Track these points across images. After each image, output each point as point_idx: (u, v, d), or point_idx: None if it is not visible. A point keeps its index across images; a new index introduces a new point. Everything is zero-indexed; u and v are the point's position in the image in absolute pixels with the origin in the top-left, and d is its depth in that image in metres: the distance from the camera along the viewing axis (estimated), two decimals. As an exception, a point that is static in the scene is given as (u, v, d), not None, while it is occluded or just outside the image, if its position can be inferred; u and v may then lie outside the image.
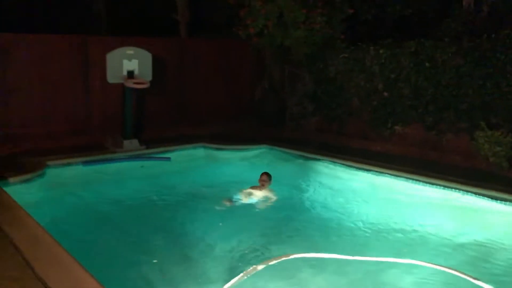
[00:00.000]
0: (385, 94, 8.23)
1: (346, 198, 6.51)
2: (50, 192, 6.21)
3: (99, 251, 4.73)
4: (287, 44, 9.27)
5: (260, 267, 4.25)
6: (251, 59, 10.51)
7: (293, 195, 6.72)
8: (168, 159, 7.87)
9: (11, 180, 5.96)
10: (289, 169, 7.72)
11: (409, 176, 6.59)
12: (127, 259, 4.61)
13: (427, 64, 7.54)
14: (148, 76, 7.91)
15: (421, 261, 4.45)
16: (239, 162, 8.13)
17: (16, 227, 4.35)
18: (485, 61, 6.88)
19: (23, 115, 7.87)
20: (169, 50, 9.41)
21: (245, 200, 6.30)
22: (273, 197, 6.41)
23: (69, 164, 7.01)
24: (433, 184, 6.32)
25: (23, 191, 5.78)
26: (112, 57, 7.61)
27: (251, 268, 4.22)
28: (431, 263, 4.40)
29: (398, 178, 6.66)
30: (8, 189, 5.57)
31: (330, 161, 7.52)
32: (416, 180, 6.49)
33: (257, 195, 6.37)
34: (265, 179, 6.46)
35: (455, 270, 4.24)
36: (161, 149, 8.05)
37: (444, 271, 4.26)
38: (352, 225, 5.62)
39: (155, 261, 4.58)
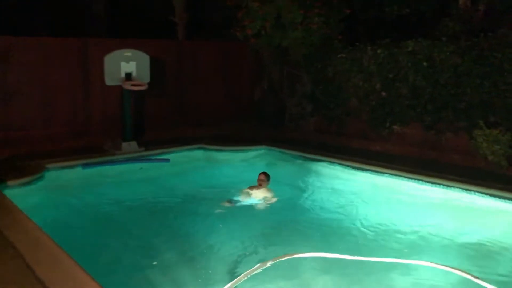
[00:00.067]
0: (383, 94, 8.24)
1: (345, 198, 6.51)
2: (49, 194, 6.21)
3: (99, 253, 4.72)
4: (285, 44, 9.28)
5: (269, 263, 4.23)
6: (250, 60, 10.53)
7: (293, 195, 6.72)
8: (167, 160, 7.87)
9: (11, 183, 5.96)
10: (289, 170, 7.72)
11: (409, 175, 6.60)
12: (126, 261, 4.61)
13: (425, 64, 7.55)
14: (146, 78, 7.92)
15: (422, 260, 4.44)
16: (238, 163, 8.14)
17: (16, 230, 4.35)
18: (483, 60, 6.90)
19: (22, 118, 7.87)
20: (168, 52, 9.42)
21: (244, 201, 6.31)
22: (272, 197, 6.42)
23: (68, 167, 7.01)
24: (432, 183, 6.33)
25: (22, 194, 5.79)
26: (110, 60, 7.62)
27: (256, 265, 4.20)
28: (432, 263, 4.39)
29: (398, 177, 6.67)
30: (8, 192, 5.57)
31: (330, 161, 7.52)
32: (416, 179, 6.50)
33: (257, 196, 6.38)
34: (263, 179, 6.47)
35: (457, 269, 4.22)
36: (160, 150, 8.05)
37: (445, 271, 4.25)
38: (352, 225, 5.62)
39: (154, 263, 4.58)
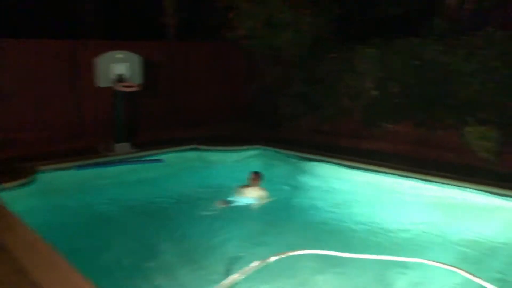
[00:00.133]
0: (374, 92, 8.31)
1: (340, 197, 6.56)
2: (43, 197, 6.19)
3: (94, 255, 4.73)
4: (276, 45, 9.32)
5: (272, 259, 4.19)
6: (243, 61, 10.55)
7: (288, 195, 6.75)
8: (160, 161, 7.89)
9: (4, 185, 5.94)
10: (283, 169, 7.75)
11: (402, 173, 6.67)
12: (122, 262, 4.62)
13: (415, 62, 7.63)
14: (138, 79, 7.94)
15: (417, 258, 4.42)
16: (232, 163, 8.16)
17: (10, 233, 4.35)
18: (471, 58, 6.99)
19: (16, 121, 7.84)
20: (160, 53, 9.42)
21: (239, 201, 6.34)
22: (267, 197, 6.46)
23: (62, 169, 7.01)
24: (425, 180, 6.40)
25: (16, 197, 5.76)
26: (101, 61, 7.63)
27: (257, 263, 4.18)
28: (427, 260, 4.35)
29: (392, 175, 6.73)
30: (2, 195, 5.56)
31: (324, 160, 7.57)
32: (409, 177, 6.57)
33: (250, 195, 6.42)
34: (254, 177, 6.52)
35: (454, 267, 4.18)
36: (154, 151, 8.05)
37: (444, 269, 4.22)
38: (347, 224, 5.66)
39: (150, 263, 4.60)
